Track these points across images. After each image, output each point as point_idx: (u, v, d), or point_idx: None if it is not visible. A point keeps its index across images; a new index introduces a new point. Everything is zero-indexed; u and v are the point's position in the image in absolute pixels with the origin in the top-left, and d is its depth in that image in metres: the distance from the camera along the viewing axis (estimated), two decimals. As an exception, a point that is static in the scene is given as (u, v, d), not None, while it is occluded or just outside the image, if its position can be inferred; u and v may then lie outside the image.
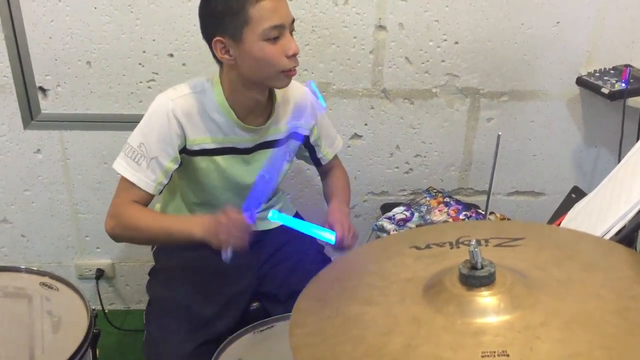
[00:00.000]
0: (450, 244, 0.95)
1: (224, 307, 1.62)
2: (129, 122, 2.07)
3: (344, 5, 1.95)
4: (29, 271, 1.62)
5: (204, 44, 1.96)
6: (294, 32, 1.51)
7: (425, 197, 2.11)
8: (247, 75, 1.51)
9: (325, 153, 1.80)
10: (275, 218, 1.52)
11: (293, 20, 1.50)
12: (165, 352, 1.49)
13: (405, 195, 2.22)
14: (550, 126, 2.12)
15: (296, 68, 1.51)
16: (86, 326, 1.45)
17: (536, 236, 0.94)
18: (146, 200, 1.57)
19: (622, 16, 1.96)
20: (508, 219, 2.03)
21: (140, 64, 2.02)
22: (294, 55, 1.48)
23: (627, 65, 1.94)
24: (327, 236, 1.56)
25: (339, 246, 1.60)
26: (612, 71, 1.94)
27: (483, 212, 2.05)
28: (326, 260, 1.81)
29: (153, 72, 2.03)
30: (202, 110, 1.57)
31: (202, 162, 1.61)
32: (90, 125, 2.09)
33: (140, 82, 2.04)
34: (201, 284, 1.63)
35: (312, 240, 1.86)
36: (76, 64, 2.00)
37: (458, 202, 2.09)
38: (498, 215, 2.05)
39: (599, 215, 1.06)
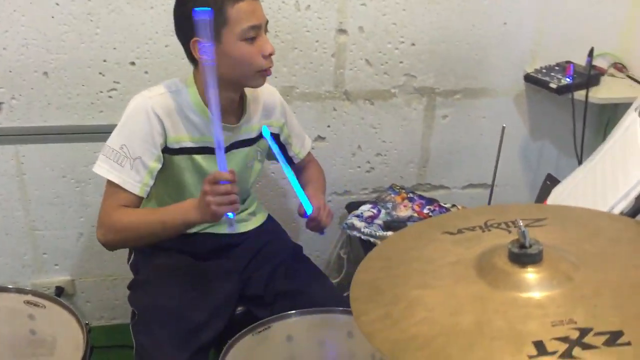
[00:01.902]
0: (481, 227, 1.02)
1: (213, 312, 1.62)
2: (90, 134, 2.05)
3: (306, 10, 1.99)
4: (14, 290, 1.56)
5: (166, 51, 1.98)
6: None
7: (390, 194, 2.19)
8: (223, 75, 1.52)
9: (297, 152, 1.84)
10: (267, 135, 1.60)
11: (267, 22, 1.54)
12: (166, 353, 1.47)
13: (367, 193, 2.29)
14: (499, 121, 2.24)
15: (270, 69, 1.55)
16: (82, 342, 1.42)
17: (556, 216, 1.02)
18: (134, 203, 1.55)
19: (562, 16, 2.12)
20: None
21: (100, 73, 1.97)
22: (271, 54, 1.52)
23: (568, 62, 2.10)
24: (306, 203, 1.61)
25: (314, 221, 1.64)
26: (556, 67, 2.09)
27: (445, 206, 2.16)
28: (306, 260, 1.85)
29: (114, 81, 1.99)
30: (179, 109, 1.57)
31: (181, 161, 1.61)
32: (47, 138, 2.02)
33: (101, 92, 2.00)
34: (186, 290, 1.63)
35: (289, 240, 1.90)
36: (32, 75, 1.93)
37: (421, 197, 2.18)
38: (459, 206, 2.16)
39: (595, 196, 1.17)
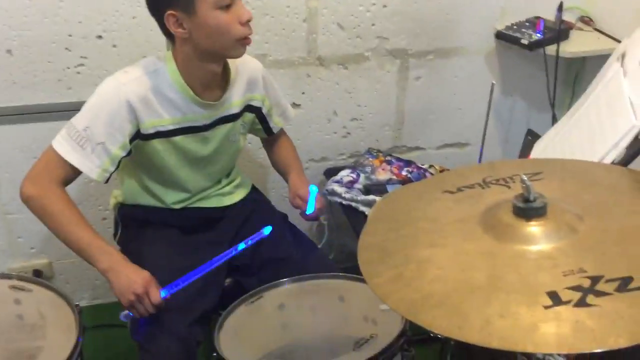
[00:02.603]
0: (480, 184, 1.03)
1: (205, 284, 1.62)
2: (59, 112, 1.98)
3: (275, -25, 1.96)
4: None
5: (134, 22, 1.92)
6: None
7: (368, 158, 2.19)
8: (202, 47, 1.49)
9: (276, 122, 1.82)
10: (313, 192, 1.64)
11: None
12: (161, 334, 1.47)
13: (344, 159, 2.29)
14: (471, 80, 2.27)
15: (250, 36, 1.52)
16: (75, 323, 1.39)
17: (552, 170, 1.04)
18: (75, 178, 1.52)
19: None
20: (447, 169, 2.17)
21: (66, 48, 1.91)
22: (248, 21, 1.49)
23: (538, 17, 2.12)
24: (310, 207, 1.64)
25: (312, 216, 1.67)
26: (526, 23, 2.11)
27: (422, 167, 2.17)
28: (291, 227, 1.85)
29: (81, 56, 1.93)
30: (157, 91, 1.53)
31: (158, 144, 1.58)
32: (15, 118, 1.96)
33: (68, 68, 1.94)
34: (177, 262, 1.61)
35: (273, 209, 1.90)
36: (-6, 53, 1.86)
37: (398, 159, 2.20)
38: (437, 166, 2.18)
39: (583, 148, 1.19)
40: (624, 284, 0.77)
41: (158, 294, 1.44)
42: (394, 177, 2.12)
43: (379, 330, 1.48)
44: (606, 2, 2.15)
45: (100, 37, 1.92)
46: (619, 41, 2.06)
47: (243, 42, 1.50)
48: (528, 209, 0.88)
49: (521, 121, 2.37)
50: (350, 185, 2.09)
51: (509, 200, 0.92)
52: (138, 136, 1.54)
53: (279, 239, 1.77)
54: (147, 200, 1.71)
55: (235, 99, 1.65)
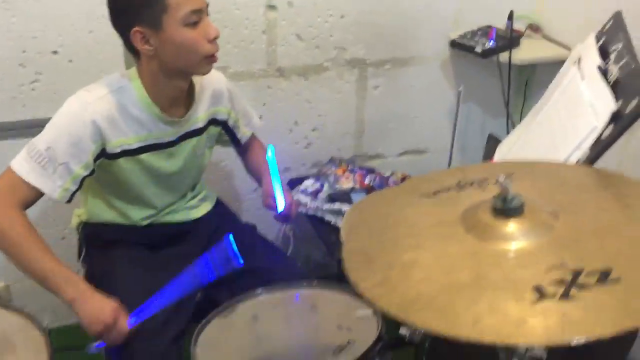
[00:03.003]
0: (454, 188, 1.06)
1: (177, 304, 1.60)
2: (13, 130, 1.93)
3: (233, -13, 1.96)
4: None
5: (91, 37, 1.90)
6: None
7: (331, 167, 2.21)
8: (169, 64, 1.49)
9: (244, 132, 1.82)
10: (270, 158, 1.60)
11: (207, 4, 1.50)
12: (142, 349, 1.44)
13: (307, 169, 2.31)
14: (428, 88, 2.33)
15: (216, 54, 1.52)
16: (45, 346, 1.35)
17: (522, 171, 1.08)
18: (36, 199, 1.48)
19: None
20: (409, 176, 2.20)
21: (20, 64, 1.87)
22: (216, 38, 1.49)
23: (489, 26, 2.19)
24: (280, 201, 1.62)
25: (285, 213, 1.66)
26: (479, 32, 2.17)
27: (385, 175, 2.21)
28: (261, 238, 1.85)
29: (36, 72, 1.89)
30: (122, 109, 1.51)
31: (125, 163, 1.56)
32: (-33, 138, 1.90)
33: (22, 85, 1.90)
34: (146, 281, 1.59)
35: (240, 221, 1.89)
36: (-56, 72, 1.80)
37: (361, 167, 2.23)
38: (399, 173, 2.22)
39: (546, 150, 1.24)
40: (604, 276, 0.81)
41: (125, 325, 1.41)
42: (358, 185, 2.15)
43: (355, 336, 1.49)
44: (553, 11, 2.24)
45: (55, 52, 1.88)
46: (567, 48, 2.16)
47: (210, 59, 1.50)
48: (507, 209, 0.91)
49: (477, 127, 2.43)
50: (314, 194, 2.11)
51: (487, 201, 0.95)
52: (103, 155, 1.52)
53: (249, 250, 1.76)
54: (112, 218, 1.68)
55: (200, 114, 1.65)
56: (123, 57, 1.94)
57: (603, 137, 1.09)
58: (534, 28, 2.27)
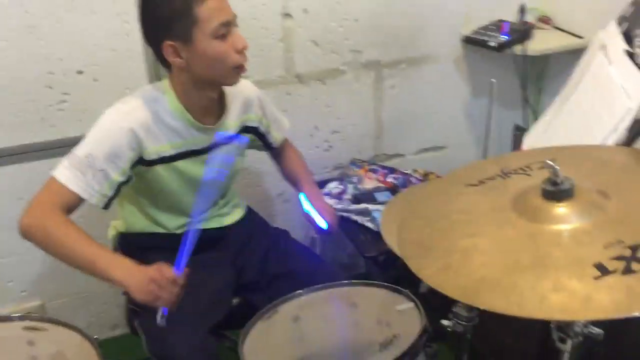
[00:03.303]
0: (499, 175, 1.09)
1: (214, 298, 1.64)
2: (43, 151, 1.96)
3: (250, -1, 2.00)
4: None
5: (114, 55, 1.93)
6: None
7: (353, 169, 2.24)
8: (199, 76, 1.52)
9: (275, 137, 1.85)
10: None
11: (236, 16, 1.54)
12: (177, 342, 1.47)
13: (329, 171, 2.34)
14: (443, 85, 2.36)
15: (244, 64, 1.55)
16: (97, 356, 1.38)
17: (563, 155, 1.11)
18: (77, 205, 1.51)
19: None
20: (431, 173, 2.24)
21: (48, 86, 1.90)
22: (244, 49, 1.52)
23: (501, 21, 2.22)
24: (320, 222, 1.66)
25: (328, 230, 1.70)
26: (491, 27, 2.21)
27: (406, 172, 2.24)
28: (294, 241, 1.88)
29: (63, 93, 1.92)
30: (157, 118, 1.55)
31: (162, 170, 1.60)
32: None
33: (50, 106, 1.93)
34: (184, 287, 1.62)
35: (271, 227, 1.92)
36: (-26, 96, 1.84)
37: (382, 167, 2.26)
38: (420, 170, 2.25)
39: (580, 134, 1.27)
40: (661, 248, 0.84)
41: (173, 274, 1.42)
42: (381, 184, 2.18)
43: (397, 331, 1.52)
44: (562, 1, 2.27)
45: (80, 72, 1.91)
46: (578, 36, 2.19)
47: (239, 70, 1.53)
48: (558, 191, 0.94)
49: (495, 120, 2.46)
50: (339, 196, 2.14)
51: (536, 186, 0.98)
52: (140, 162, 1.55)
53: (284, 254, 1.79)
54: (149, 227, 1.71)
55: (231, 121, 1.68)
56: (145, 73, 1.98)
57: (638, 117, 1.12)
58: (544, 20, 2.30)
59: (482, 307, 0.83)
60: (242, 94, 1.70)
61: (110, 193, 1.53)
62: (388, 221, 1.45)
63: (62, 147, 1.95)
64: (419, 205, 1.07)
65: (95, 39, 1.89)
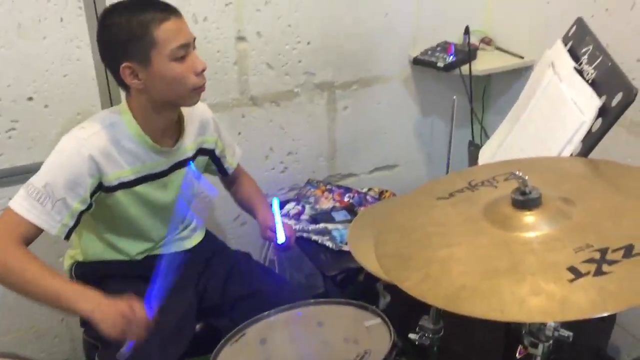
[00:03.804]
0: (467, 188, 1.13)
1: (179, 324, 1.62)
2: (-8, 179, 1.90)
3: (204, 22, 2.01)
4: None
5: (65, 81, 1.90)
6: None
7: (310, 189, 2.26)
8: (158, 97, 1.52)
9: (230, 162, 1.86)
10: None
11: (194, 38, 1.55)
12: None
13: (284, 193, 2.35)
14: (393, 105, 2.42)
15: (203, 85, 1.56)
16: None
17: (527, 167, 1.14)
18: (36, 236, 1.48)
19: (435, 2, 2.33)
20: (386, 191, 2.28)
21: (-4, 113, 1.85)
22: (203, 71, 1.53)
23: (447, 42, 2.31)
24: (280, 235, 1.66)
25: (286, 244, 1.71)
26: (438, 48, 2.29)
27: (362, 191, 2.28)
28: (255, 262, 1.88)
29: (12, 121, 1.87)
30: (116, 143, 1.54)
31: (121, 196, 1.58)
32: (-56, 191, 1.86)
33: (-1, 134, 1.88)
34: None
35: (230, 249, 1.91)
36: None
37: (338, 187, 2.29)
38: (376, 189, 2.29)
39: (536, 147, 1.33)
40: (628, 251, 0.89)
41: (144, 311, 1.40)
42: (337, 204, 2.21)
43: (366, 347, 1.53)
44: (503, 23, 2.38)
45: (31, 98, 1.87)
46: (519, 56, 2.30)
47: (198, 90, 1.54)
48: (527, 200, 0.99)
49: (441, 139, 2.54)
50: (297, 217, 2.15)
51: (506, 196, 1.02)
52: (100, 188, 1.53)
53: (246, 275, 1.79)
54: (108, 255, 1.68)
55: (188, 143, 1.68)
56: (98, 98, 1.95)
57: (593, 130, 1.18)
58: (487, 41, 2.40)
59: (466, 314, 0.86)
60: (198, 116, 1.70)
61: (71, 223, 1.50)
62: (355, 238, 1.47)
63: (12, 176, 1.91)
64: (393, 220, 1.10)
65: (46, 64, 1.86)
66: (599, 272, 0.86)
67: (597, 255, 0.89)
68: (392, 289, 2.22)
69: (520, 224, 0.98)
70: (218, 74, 2.08)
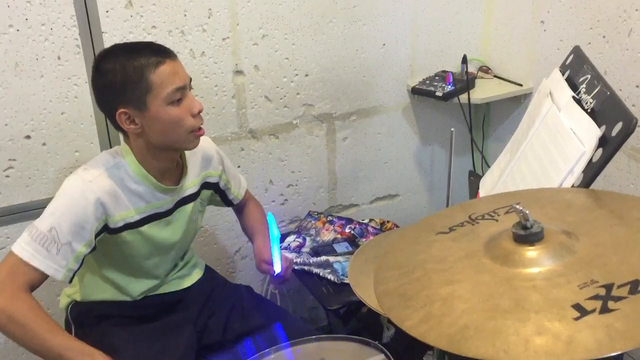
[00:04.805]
0: (468, 222, 1.11)
1: None
2: (-10, 219, 1.89)
3: (201, 57, 2.01)
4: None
5: (63, 118, 1.90)
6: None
7: (310, 221, 2.24)
8: (156, 141, 1.50)
9: (236, 194, 1.85)
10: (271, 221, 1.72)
11: (191, 80, 1.54)
12: None
13: (285, 225, 2.33)
14: (392, 135, 2.41)
15: (202, 127, 1.54)
16: None
17: (528, 199, 1.14)
18: (42, 282, 1.45)
19: (431, 33, 2.33)
20: (387, 221, 2.26)
21: (-7, 152, 1.84)
22: (199, 112, 1.52)
23: (445, 71, 2.31)
24: (277, 265, 1.64)
25: (282, 275, 1.69)
26: (436, 77, 2.29)
27: (363, 222, 2.26)
28: (258, 297, 1.85)
29: (10, 159, 1.86)
30: (121, 184, 1.52)
31: (127, 236, 1.56)
32: (-57, 232, 1.84)
33: (-4, 172, 1.87)
34: (143, 354, 1.57)
35: (230, 283, 1.89)
36: None
37: (339, 218, 2.27)
38: (377, 219, 2.27)
39: (537, 179, 1.31)
40: (634, 287, 0.87)
41: None
42: (339, 235, 2.18)
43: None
44: (500, 51, 2.38)
45: (28, 137, 1.86)
46: (518, 84, 2.29)
47: (197, 133, 1.52)
48: (529, 235, 0.97)
49: (442, 167, 2.52)
50: (298, 249, 2.13)
51: (506, 231, 1.00)
52: (105, 230, 1.51)
53: (248, 311, 1.77)
54: (108, 295, 1.66)
55: (192, 179, 1.67)
56: (97, 135, 1.95)
57: (594, 160, 1.17)
58: (484, 69, 2.40)
59: (469, 356, 0.83)
60: (201, 150, 1.69)
61: (76, 267, 1.47)
62: (355, 273, 1.45)
63: (9, 214, 1.90)
64: (391, 256, 1.08)
65: (44, 102, 1.85)
66: (605, 310, 0.84)
67: (603, 292, 0.87)
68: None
69: (522, 260, 0.96)
70: (216, 108, 2.08)
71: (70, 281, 1.49)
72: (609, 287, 0.87)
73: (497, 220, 1.10)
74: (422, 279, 0.99)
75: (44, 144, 1.89)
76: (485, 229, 1.07)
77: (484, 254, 1.00)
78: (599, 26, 1.93)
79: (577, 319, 0.84)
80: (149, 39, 1.92)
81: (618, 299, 0.85)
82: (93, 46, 1.86)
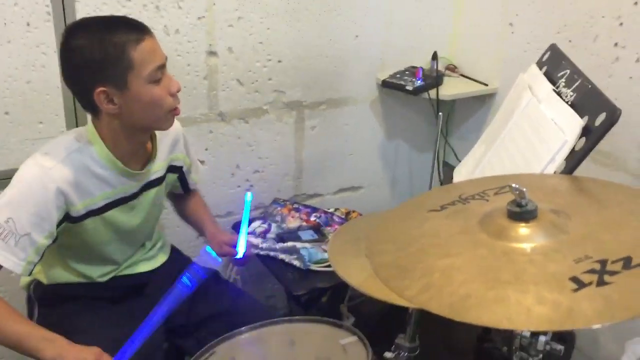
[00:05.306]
0: (459, 201, 1.13)
1: (144, 350, 1.54)
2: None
3: (175, 35, 1.98)
4: None
5: (28, 87, 1.83)
6: None
7: (276, 208, 2.24)
8: (133, 122, 1.44)
9: (194, 178, 1.82)
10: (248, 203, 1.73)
11: (166, 58, 1.50)
12: None
13: (250, 211, 2.30)
14: (360, 127, 2.43)
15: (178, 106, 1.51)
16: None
17: (513, 182, 1.17)
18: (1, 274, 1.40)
19: (403, 28, 2.36)
20: (353, 211, 2.28)
21: (-46, 119, 1.76)
22: (178, 91, 1.48)
23: (415, 67, 2.35)
24: (241, 247, 1.70)
25: (245, 258, 1.70)
26: (406, 72, 2.32)
27: (329, 211, 2.27)
28: (223, 281, 1.83)
29: (-30, 126, 1.79)
30: (85, 170, 1.44)
31: (90, 223, 1.50)
32: None
33: (-45, 142, 1.78)
34: (110, 336, 1.52)
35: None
36: None
37: (305, 206, 2.27)
38: (342, 209, 2.28)
39: (517, 167, 1.35)
40: (627, 262, 0.90)
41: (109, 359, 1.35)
42: (304, 223, 2.18)
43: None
44: (468, 52, 2.44)
45: (-9, 104, 1.79)
46: (484, 84, 2.35)
47: (173, 112, 1.48)
48: (524, 212, 1.00)
49: (405, 161, 2.56)
50: (263, 235, 2.12)
51: (500, 209, 1.03)
52: (67, 219, 1.44)
53: (213, 295, 1.74)
54: (70, 279, 1.60)
55: (159, 163, 1.62)
56: (63, 108, 1.89)
57: (577, 149, 1.21)
58: (451, 68, 2.45)
59: (473, 323, 0.85)
60: (170, 133, 1.63)
61: (36, 259, 1.40)
62: (334, 254, 1.45)
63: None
64: (384, 230, 1.09)
65: (9, 69, 1.79)
66: (601, 283, 0.87)
67: (598, 266, 0.90)
68: (356, 310, 2.22)
69: (517, 236, 0.98)
70: (187, 88, 2.05)
71: (30, 274, 1.42)
72: (603, 262, 0.91)
73: (487, 201, 1.12)
74: (419, 253, 1.00)
75: (6, 113, 1.82)
76: (476, 207, 1.10)
77: (479, 230, 1.02)
78: (565, 30, 2.00)
79: (575, 290, 0.87)
80: (123, 12, 1.87)
81: (613, 273, 0.89)
82: (65, 14, 1.80)
